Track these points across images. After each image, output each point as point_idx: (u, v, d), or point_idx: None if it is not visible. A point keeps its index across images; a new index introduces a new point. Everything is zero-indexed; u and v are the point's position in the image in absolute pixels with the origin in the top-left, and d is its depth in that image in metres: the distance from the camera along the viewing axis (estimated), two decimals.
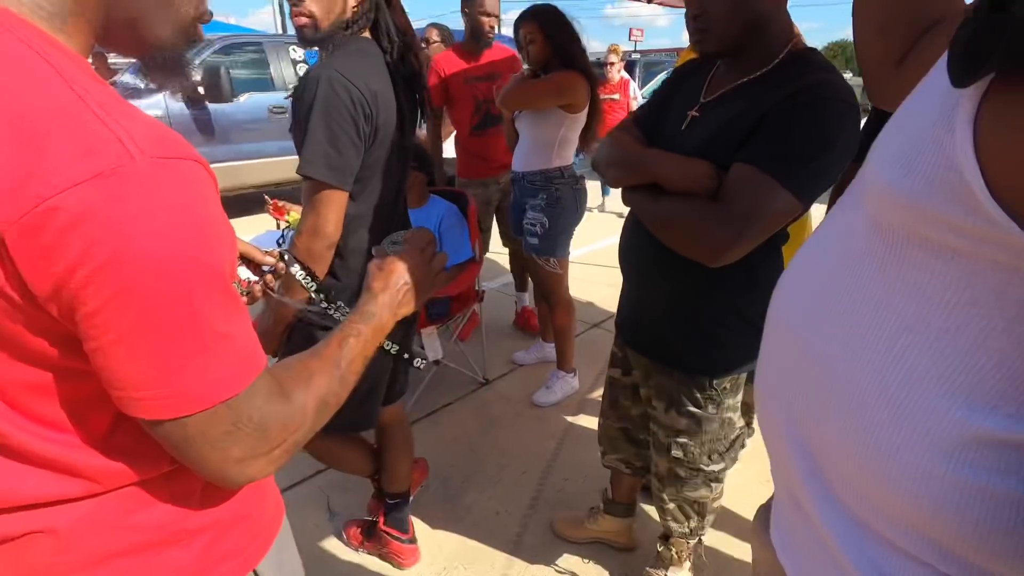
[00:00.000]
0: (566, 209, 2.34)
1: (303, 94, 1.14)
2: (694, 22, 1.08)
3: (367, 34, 1.26)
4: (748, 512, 1.91)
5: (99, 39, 0.53)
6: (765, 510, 0.71)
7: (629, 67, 8.50)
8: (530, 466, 2.20)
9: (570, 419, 2.49)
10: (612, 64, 5.46)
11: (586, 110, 2.28)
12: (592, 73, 2.25)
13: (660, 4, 2.98)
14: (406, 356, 1.21)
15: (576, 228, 2.48)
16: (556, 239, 2.37)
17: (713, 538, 1.76)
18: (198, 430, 0.50)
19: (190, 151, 0.48)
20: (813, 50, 1.11)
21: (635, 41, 25.08)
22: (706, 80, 1.18)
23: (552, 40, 2.15)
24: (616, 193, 1.48)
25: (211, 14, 0.61)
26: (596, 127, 2.38)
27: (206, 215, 0.48)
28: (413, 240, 0.81)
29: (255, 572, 0.69)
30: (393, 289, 0.75)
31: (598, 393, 2.68)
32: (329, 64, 1.15)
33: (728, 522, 1.84)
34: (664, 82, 1.36)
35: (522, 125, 2.37)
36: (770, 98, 1.02)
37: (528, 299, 3.25)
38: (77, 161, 0.41)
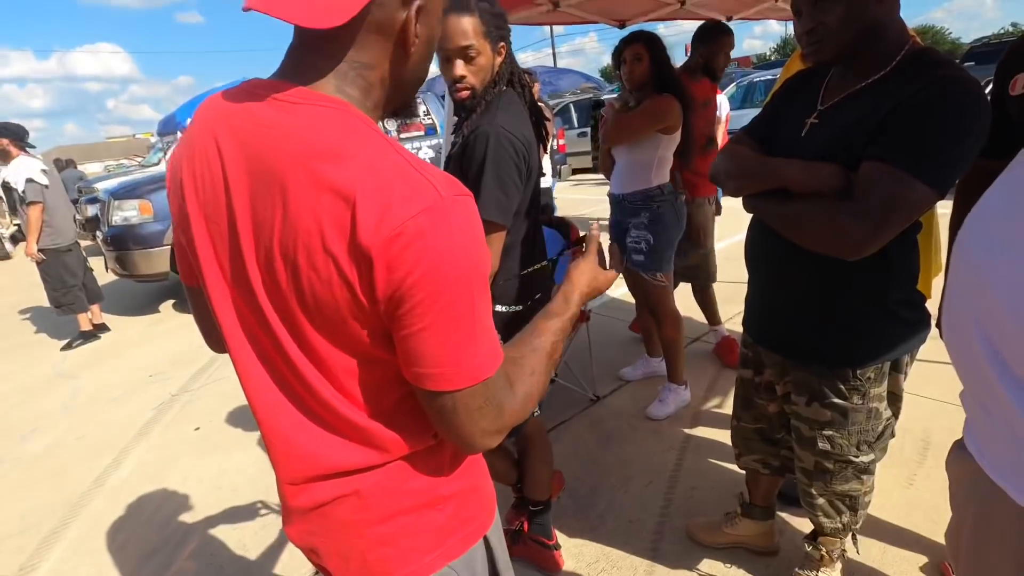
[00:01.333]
0: (668, 225, 2.43)
1: (473, 147, 1.33)
2: (808, 35, 1.14)
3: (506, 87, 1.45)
4: (892, 516, 1.86)
5: (385, 111, 0.73)
6: (958, 444, 0.78)
7: None
8: (655, 477, 2.24)
9: (687, 431, 2.52)
10: None
11: (680, 130, 2.38)
12: (685, 94, 2.35)
13: (742, 19, 3.04)
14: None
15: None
16: (661, 254, 2.46)
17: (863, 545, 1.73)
18: (463, 402, 0.64)
19: (464, 188, 0.64)
20: (931, 48, 1.16)
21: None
22: (821, 88, 1.23)
23: (655, 62, 2.32)
24: None
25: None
26: (691, 145, 2.48)
27: (480, 235, 0.64)
28: (593, 244, 0.93)
29: (485, 538, 0.83)
30: (586, 286, 0.87)
31: (710, 404, 2.70)
32: (493, 120, 1.33)
33: (874, 527, 1.81)
34: (773, 95, 1.43)
35: (618, 150, 2.50)
36: (893, 98, 1.06)
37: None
38: (411, 200, 0.58)
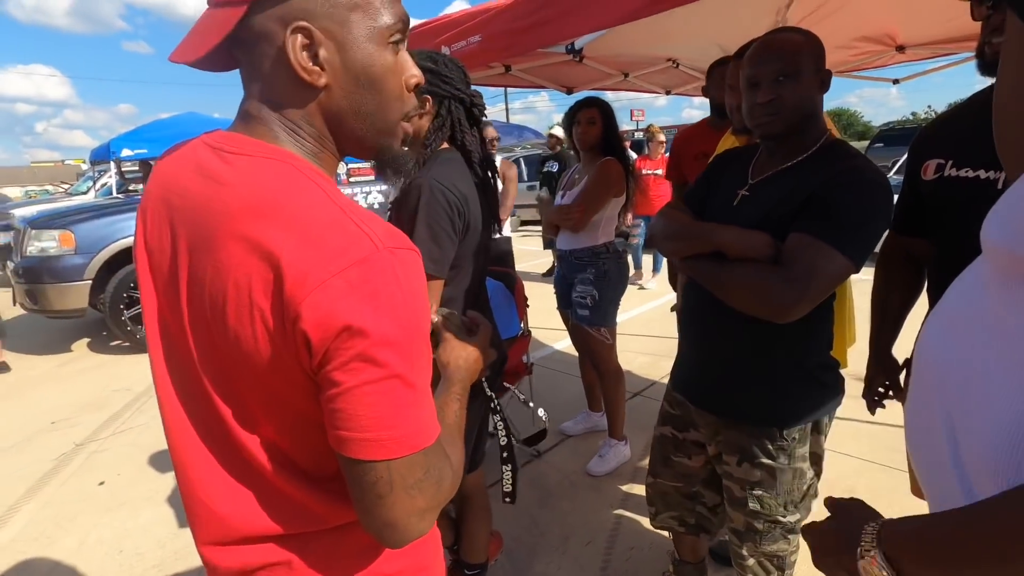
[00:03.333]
0: (613, 281, 2.50)
1: (407, 199, 1.33)
2: (765, 107, 1.21)
3: (447, 145, 1.47)
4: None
5: (340, 159, 0.70)
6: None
7: (637, 146, 8.98)
8: (594, 536, 2.21)
9: (626, 487, 2.51)
10: (658, 142, 6.10)
11: (624, 192, 2.50)
12: (626, 157, 2.49)
13: (679, 94, 3.28)
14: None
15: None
16: (606, 309, 2.51)
17: None
18: (399, 473, 0.57)
19: (409, 243, 0.62)
20: (843, 141, 1.30)
21: (637, 121, 26.43)
22: (750, 165, 1.35)
23: (607, 127, 2.46)
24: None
25: (419, 109, 0.74)
26: (632, 203, 2.60)
27: (420, 290, 0.60)
28: (483, 330, 0.94)
29: None
30: (473, 367, 0.88)
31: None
32: (427, 173, 1.35)
33: None
34: (707, 168, 1.53)
35: None
36: (815, 179, 1.18)
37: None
38: (343, 252, 0.55)
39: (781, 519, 1.38)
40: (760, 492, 1.36)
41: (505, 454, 1.23)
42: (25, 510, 2.66)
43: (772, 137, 1.27)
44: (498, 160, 3.93)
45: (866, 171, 1.17)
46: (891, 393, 1.52)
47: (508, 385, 2.72)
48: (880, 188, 1.15)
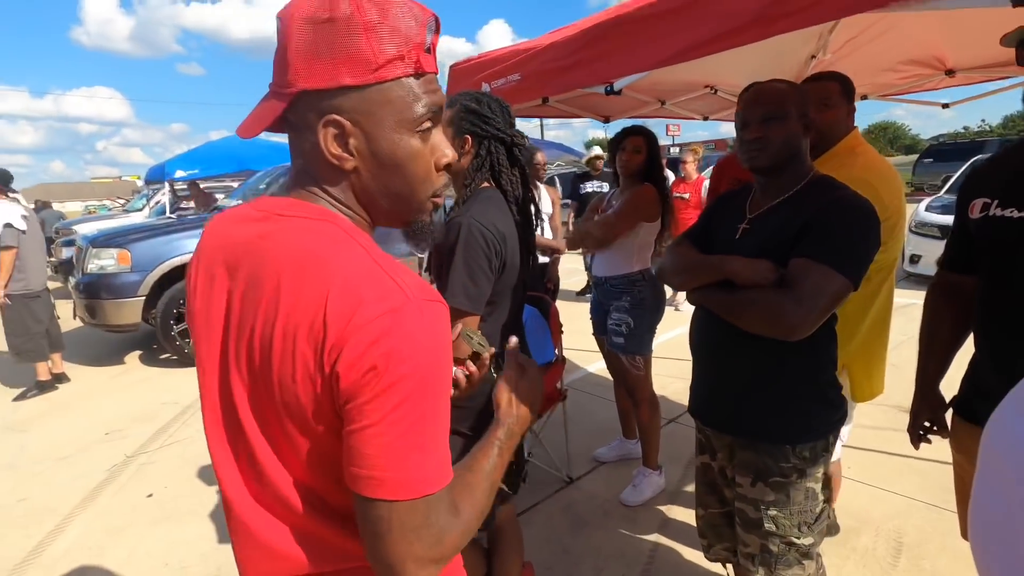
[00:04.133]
0: (648, 308, 2.49)
1: (447, 236, 1.37)
2: (752, 143, 1.36)
3: (487, 184, 1.51)
4: None
5: (373, 225, 0.76)
6: None
7: (672, 164, 8.89)
8: (628, 568, 2.18)
9: (662, 517, 2.47)
10: (687, 163, 5.94)
11: (660, 218, 2.49)
12: (663, 184, 2.48)
13: (716, 119, 3.27)
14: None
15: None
16: (641, 337, 2.49)
17: None
18: (399, 516, 0.59)
19: (438, 295, 0.66)
20: (829, 176, 1.41)
21: (672, 136, 26.19)
22: (747, 202, 1.47)
23: (651, 155, 2.49)
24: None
25: (447, 186, 0.80)
26: (670, 229, 2.59)
27: (447, 341, 0.65)
28: (532, 370, 0.94)
29: None
30: (524, 412, 0.87)
31: (687, 488, 2.66)
32: (467, 212, 1.39)
33: None
34: (707, 209, 1.66)
35: None
36: (808, 209, 1.30)
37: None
38: (377, 301, 0.60)
39: (796, 540, 1.41)
40: (775, 512, 1.41)
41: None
42: (79, 519, 2.79)
43: (760, 171, 1.40)
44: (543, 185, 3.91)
45: (853, 199, 1.31)
46: (935, 428, 1.52)
47: (540, 413, 2.72)
48: (867, 213, 1.29)
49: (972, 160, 6.30)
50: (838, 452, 1.91)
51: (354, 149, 0.66)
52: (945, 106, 3.03)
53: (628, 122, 2.72)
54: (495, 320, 1.46)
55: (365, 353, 0.58)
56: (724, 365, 1.46)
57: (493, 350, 1.11)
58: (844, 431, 1.87)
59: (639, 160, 2.49)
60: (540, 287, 3.44)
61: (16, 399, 4.55)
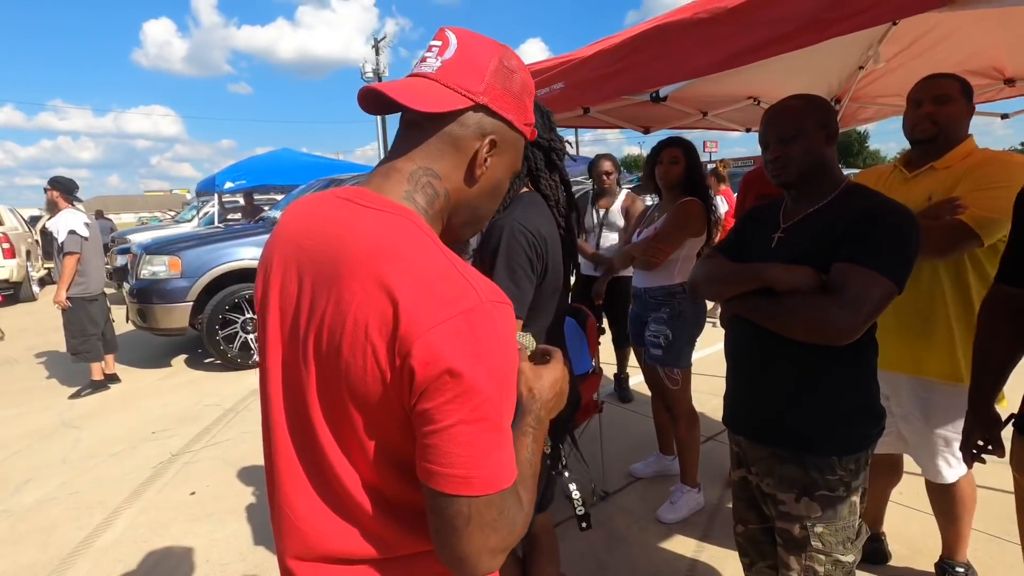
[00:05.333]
0: (688, 322, 2.45)
1: (489, 239, 1.38)
2: (774, 162, 1.40)
3: (527, 189, 1.51)
4: None
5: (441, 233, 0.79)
6: None
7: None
8: None
9: (700, 536, 2.40)
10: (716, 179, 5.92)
11: (705, 231, 2.46)
12: (708, 197, 2.45)
13: (757, 131, 3.23)
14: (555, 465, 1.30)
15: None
16: (680, 350, 2.45)
17: None
18: (477, 511, 0.61)
19: (506, 297, 0.68)
20: (862, 184, 1.43)
21: (710, 152, 25.88)
22: (779, 212, 1.48)
23: (689, 167, 2.46)
24: None
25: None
26: (714, 240, 2.54)
27: (514, 341, 0.66)
28: (557, 356, 0.93)
29: None
30: (548, 396, 0.87)
31: (727, 507, 2.58)
32: (510, 215, 1.39)
33: None
34: (738, 221, 1.64)
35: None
36: (847, 215, 1.31)
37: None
38: (452, 302, 0.61)
39: (841, 558, 1.38)
40: (821, 528, 1.37)
41: (566, 473, 1.23)
42: (127, 514, 2.89)
43: (787, 186, 1.43)
44: (622, 194, 3.69)
45: (893, 205, 1.31)
46: (990, 448, 1.45)
47: (578, 423, 2.69)
48: (907, 217, 1.28)
49: None
50: (963, 467, 1.81)
51: (487, 166, 0.76)
52: (1004, 116, 2.91)
53: (667, 134, 2.70)
54: (537, 326, 1.45)
55: (441, 353, 0.59)
56: (765, 374, 1.42)
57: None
58: None
59: (677, 171, 2.46)
60: (586, 299, 3.40)
61: (72, 397, 4.77)
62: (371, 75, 28.99)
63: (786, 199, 1.49)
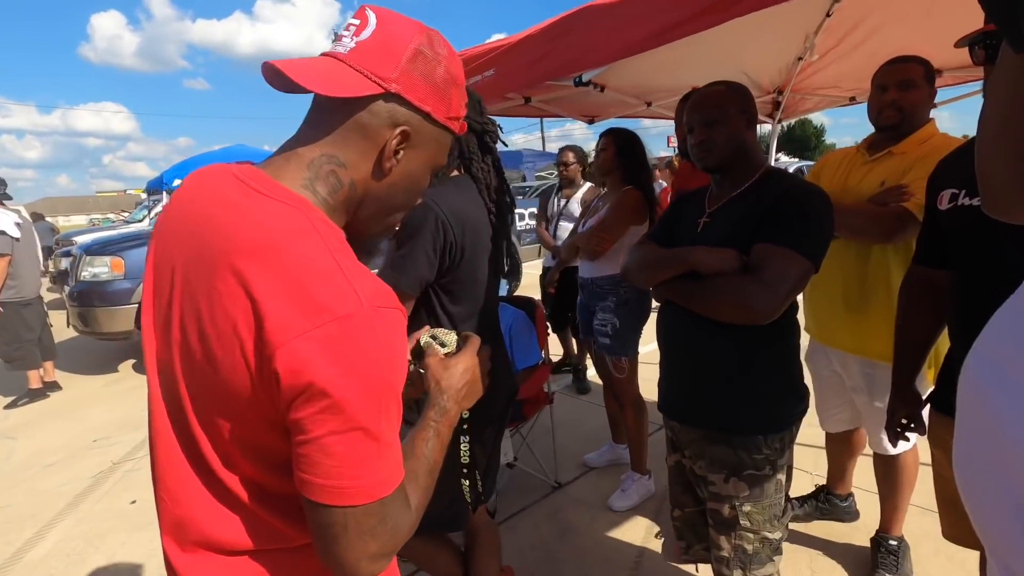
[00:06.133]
0: (634, 310, 2.46)
1: (406, 216, 1.36)
2: (700, 146, 1.42)
3: (457, 172, 1.49)
4: None
5: (348, 225, 0.75)
6: None
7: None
8: (614, 573, 2.12)
9: (649, 523, 2.42)
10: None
11: (647, 221, 2.47)
12: (648, 187, 2.46)
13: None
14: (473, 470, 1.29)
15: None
16: (627, 339, 2.46)
17: None
18: (355, 520, 0.59)
19: (396, 302, 0.64)
20: (780, 168, 1.50)
21: (673, 147, 26.34)
22: (705, 198, 1.51)
23: (619, 154, 2.47)
24: None
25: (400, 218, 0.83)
26: None
27: (400, 349, 0.62)
28: (470, 344, 0.93)
29: None
30: (458, 385, 0.87)
31: None
32: (430, 192, 1.37)
33: None
34: (667, 210, 1.67)
35: None
36: (766, 199, 1.35)
37: None
38: (328, 308, 0.58)
39: (768, 535, 1.42)
40: (749, 507, 1.41)
41: (465, 470, 1.21)
42: (60, 527, 2.75)
43: (711, 170, 1.45)
44: (586, 186, 3.68)
45: (807, 186, 1.38)
46: (913, 426, 1.50)
47: (527, 416, 2.69)
48: (821, 198, 1.34)
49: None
50: (914, 439, 1.84)
51: (399, 159, 0.71)
52: (933, 106, 3.01)
53: (615, 125, 2.71)
54: (467, 305, 1.43)
55: (306, 365, 0.56)
56: (694, 358, 1.45)
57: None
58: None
59: (606, 158, 2.49)
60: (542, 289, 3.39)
61: (7, 407, 4.53)
62: None
63: (711, 185, 1.52)
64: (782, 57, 2.91)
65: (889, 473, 1.97)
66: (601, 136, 2.50)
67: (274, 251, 0.60)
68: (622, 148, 2.46)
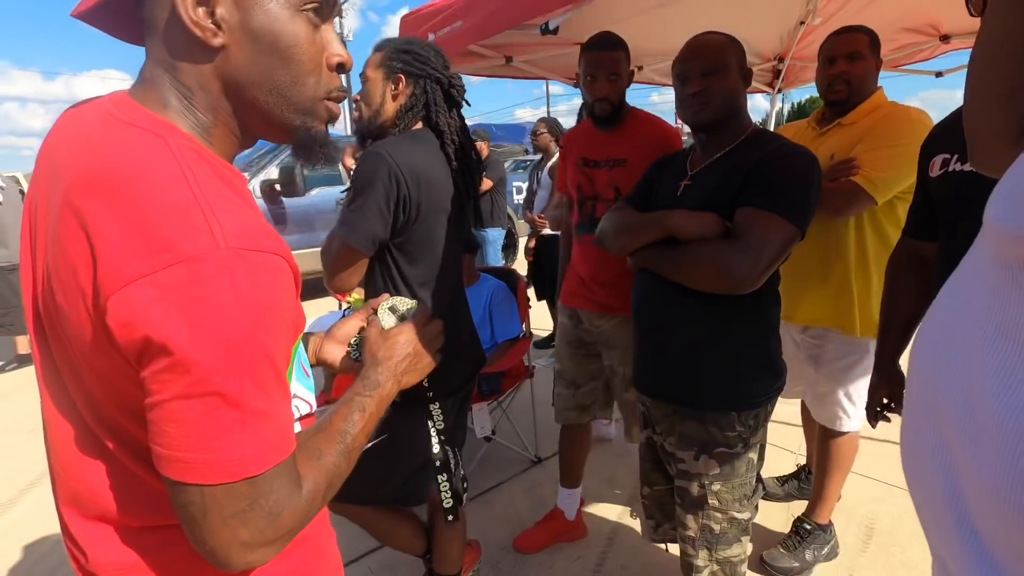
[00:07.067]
0: None
1: (358, 170, 1.28)
2: (695, 97, 1.30)
3: (419, 125, 1.41)
4: None
5: (243, 139, 0.64)
6: None
7: None
8: (585, 551, 2.09)
9: (627, 498, 2.38)
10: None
11: None
12: None
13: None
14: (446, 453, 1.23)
15: None
16: None
17: None
18: (215, 502, 0.51)
19: (271, 245, 0.54)
20: (766, 129, 1.41)
21: (681, 125, 25.93)
22: (687, 160, 1.42)
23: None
24: None
25: (344, 91, 0.66)
26: None
27: (268, 301, 0.52)
28: (419, 315, 0.85)
29: None
30: (398, 357, 0.78)
31: None
32: (381, 145, 1.30)
33: None
34: (646, 172, 1.56)
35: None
36: (749, 160, 1.26)
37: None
38: (172, 247, 0.48)
39: (736, 515, 1.37)
40: (718, 486, 1.35)
41: (438, 463, 1.15)
42: (37, 491, 2.74)
43: (703, 125, 1.34)
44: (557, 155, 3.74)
45: (794, 148, 1.28)
46: (894, 406, 1.44)
47: (506, 389, 2.63)
48: (809, 159, 1.25)
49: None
50: (857, 422, 1.82)
51: (221, 20, 0.55)
52: (939, 74, 2.88)
53: None
54: (425, 268, 1.36)
55: (138, 316, 0.48)
56: (668, 331, 1.37)
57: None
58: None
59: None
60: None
61: None
62: None
63: (694, 146, 1.42)
64: (783, 21, 2.76)
65: (825, 453, 1.89)
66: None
67: (117, 183, 0.52)
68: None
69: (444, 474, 1.19)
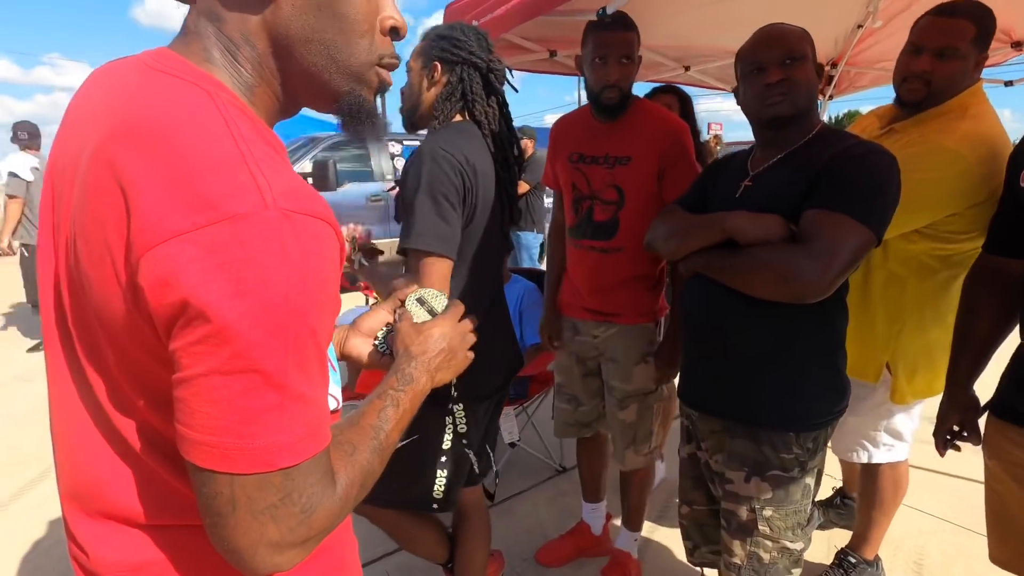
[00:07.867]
0: None
1: (408, 172, 1.21)
2: (775, 87, 1.17)
3: (460, 117, 1.34)
4: None
5: (284, 104, 0.59)
6: None
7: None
8: None
9: (657, 515, 2.28)
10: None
11: None
12: (701, 152, 2.22)
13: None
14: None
15: None
16: None
17: None
18: (245, 493, 0.46)
19: (320, 210, 0.49)
20: (836, 127, 1.29)
21: (714, 132, 25.53)
22: (747, 160, 1.31)
23: (683, 116, 2.12)
24: None
25: (397, 58, 0.62)
26: None
27: (317, 271, 0.47)
28: (452, 310, 0.79)
29: None
30: (431, 352, 0.72)
31: None
32: (432, 140, 1.23)
33: None
34: (701, 174, 1.47)
35: None
36: (820, 159, 1.15)
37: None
38: (217, 203, 0.43)
39: (788, 545, 1.26)
40: (770, 512, 1.25)
41: (443, 459, 1.09)
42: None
43: (780, 119, 1.21)
44: None
45: (869, 145, 1.17)
46: (965, 434, 1.31)
47: (532, 395, 2.56)
48: (887, 159, 1.14)
49: None
50: (906, 451, 1.69)
51: None
52: (1008, 84, 2.72)
53: (649, 87, 2.49)
54: (468, 272, 1.29)
55: (177, 276, 0.42)
56: (723, 341, 1.27)
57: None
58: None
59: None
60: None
61: (31, 350, 4.62)
62: None
63: (755, 147, 1.32)
64: (841, 23, 2.63)
65: (869, 483, 1.74)
66: (657, 94, 2.23)
67: (158, 134, 0.47)
68: (685, 109, 2.22)
69: (445, 471, 1.13)
